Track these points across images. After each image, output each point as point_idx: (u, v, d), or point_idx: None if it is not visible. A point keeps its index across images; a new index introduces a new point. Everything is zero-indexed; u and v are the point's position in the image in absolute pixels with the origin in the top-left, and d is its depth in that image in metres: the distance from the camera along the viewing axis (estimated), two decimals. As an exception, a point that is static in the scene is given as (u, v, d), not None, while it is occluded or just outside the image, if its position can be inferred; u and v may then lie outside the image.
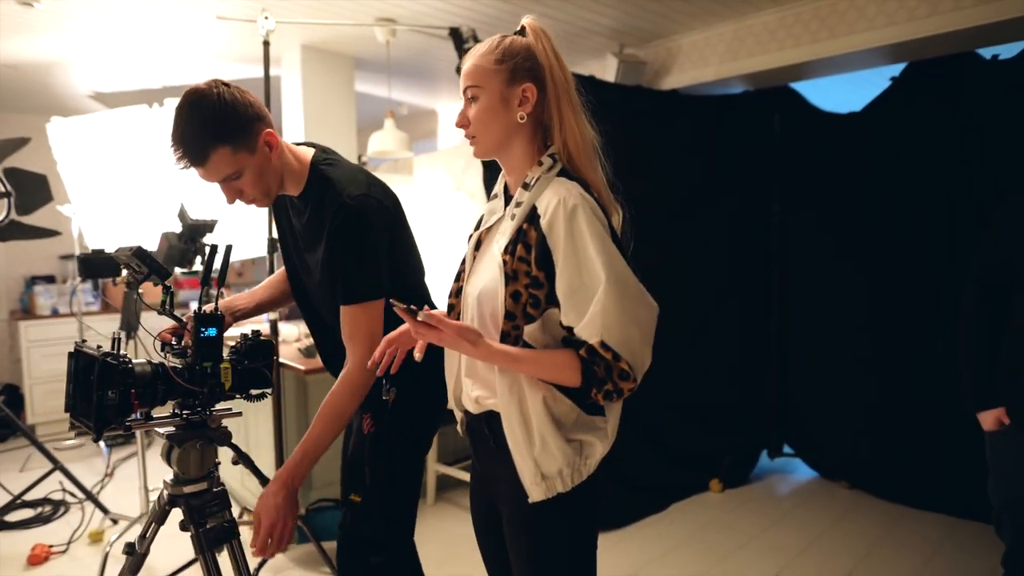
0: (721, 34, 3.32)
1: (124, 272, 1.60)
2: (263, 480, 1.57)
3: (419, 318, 0.98)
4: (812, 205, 3.49)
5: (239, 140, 1.29)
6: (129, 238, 2.72)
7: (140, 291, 1.65)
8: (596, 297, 0.98)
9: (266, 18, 2.40)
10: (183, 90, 1.30)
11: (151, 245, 2.58)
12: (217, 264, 1.41)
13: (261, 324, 2.73)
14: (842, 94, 3.62)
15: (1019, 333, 1.59)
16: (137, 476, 2.83)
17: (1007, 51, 2.81)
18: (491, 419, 1.13)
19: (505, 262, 1.07)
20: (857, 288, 3.30)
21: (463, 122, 1.12)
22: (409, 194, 3.92)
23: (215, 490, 1.43)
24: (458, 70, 2.80)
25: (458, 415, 1.28)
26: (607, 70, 3.49)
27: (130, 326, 2.54)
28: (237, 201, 1.40)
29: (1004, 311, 1.65)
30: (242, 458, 1.55)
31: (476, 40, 2.80)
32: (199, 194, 2.66)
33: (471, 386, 1.17)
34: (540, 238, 1.03)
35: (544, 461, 1.05)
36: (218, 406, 1.43)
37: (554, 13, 3.04)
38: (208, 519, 1.40)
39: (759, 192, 3.64)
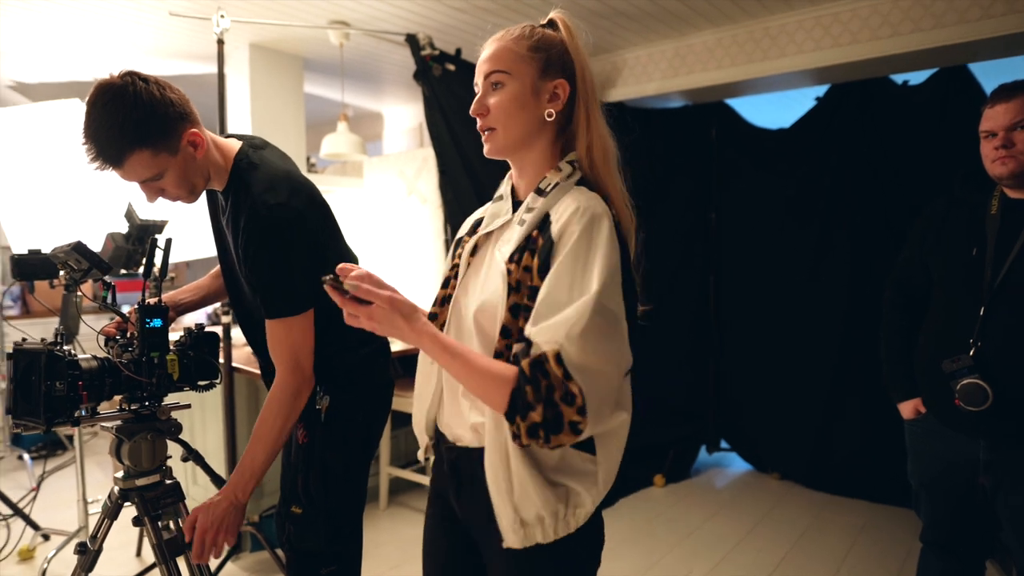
0: (663, 51, 3.50)
1: (61, 273, 1.55)
2: (214, 476, 1.56)
3: (346, 287, 0.82)
4: (745, 213, 3.72)
5: (160, 142, 1.21)
6: (61, 238, 2.59)
7: (79, 292, 1.62)
8: (572, 307, 0.83)
9: (222, 16, 2.37)
10: None
11: (92, 246, 2.47)
12: (158, 259, 1.41)
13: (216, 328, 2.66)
14: (775, 111, 3.88)
15: (930, 332, 1.78)
16: (67, 490, 2.70)
17: (917, 77, 3.11)
18: (462, 457, 1.01)
19: (509, 272, 0.94)
20: (785, 291, 3.53)
21: (481, 110, 0.99)
22: (359, 198, 3.91)
23: (168, 482, 1.43)
24: (416, 77, 2.86)
25: (425, 441, 1.11)
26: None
27: (70, 330, 2.42)
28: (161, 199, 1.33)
29: (920, 312, 1.85)
30: (191, 454, 1.53)
31: (433, 48, 2.85)
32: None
33: (469, 410, 0.98)
34: (547, 244, 0.91)
35: (523, 504, 0.90)
36: (167, 400, 1.43)
37: (508, 23, 3.11)
38: (162, 511, 1.39)
39: (698, 200, 3.85)
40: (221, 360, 2.48)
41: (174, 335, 1.46)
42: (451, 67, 2.90)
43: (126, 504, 1.43)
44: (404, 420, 3.20)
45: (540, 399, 0.82)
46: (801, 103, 3.52)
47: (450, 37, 3.24)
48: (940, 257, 1.76)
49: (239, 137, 1.43)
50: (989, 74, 2.92)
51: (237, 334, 3.02)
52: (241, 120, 3.57)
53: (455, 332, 1.02)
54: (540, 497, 0.90)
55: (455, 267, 1.07)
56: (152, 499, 1.40)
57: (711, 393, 3.93)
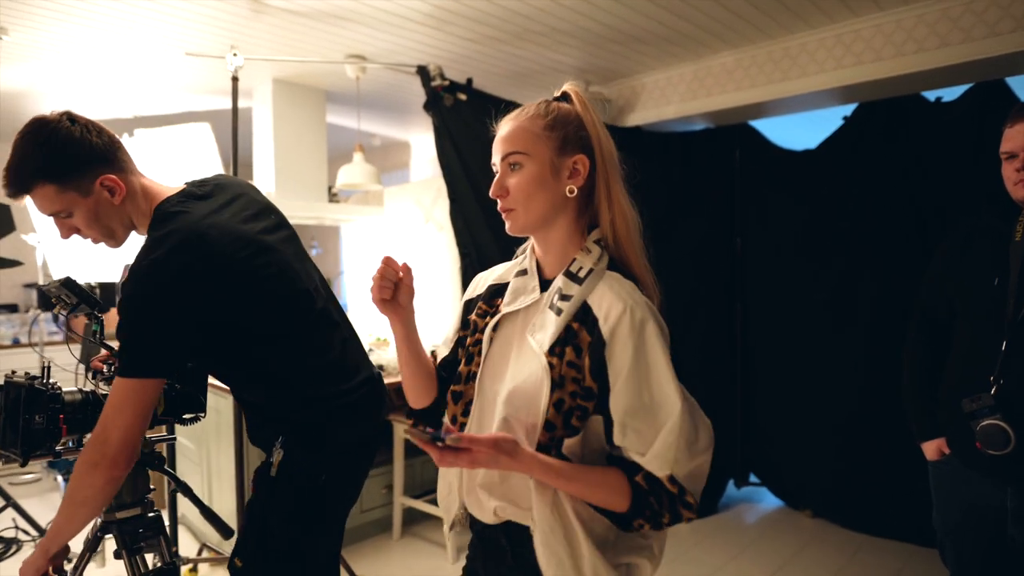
0: (681, 74, 3.44)
1: (56, 307, 1.59)
2: (204, 509, 1.55)
3: (448, 442, 0.83)
4: (771, 238, 3.59)
5: (67, 179, 1.22)
6: (94, 268, 2.70)
7: (70, 324, 1.66)
8: (668, 427, 0.88)
9: (235, 55, 2.45)
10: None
11: (116, 276, 2.57)
12: None
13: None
14: (802, 132, 3.76)
15: (956, 367, 1.65)
16: (93, 512, 2.76)
17: (950, 94, 2.96)
18: (511, 531, 1.00)
19: (552, 365, 0.93)
20: (816, 319, 3.37)
21: (501, 192, 0.99)
22: (380, 225, 3.96)
23: (149, 515, 1.43)
24: (426, 107, 2.89)
25: (453, 515, 1.10)
26: (573, 107, 3.59)
27: (88, 359, 2.51)
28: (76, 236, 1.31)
29: (945, 343, 1.72)
30: (179, 486, 1.54)
31: (443, 78, 2.87)
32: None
33: (487, 498, 1.02)
34: (596, 345, 0.91)
35: None
36: (151, 433, 1.44)
37: (521, 52, 3.13)
38: (142, 544, 1.40)
39: (722, 225, 3.73)
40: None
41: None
42: (463, 96, 2.92)
43: (107, 536, 1.45)
44: (417, 448, 3.17)
45: (665, 507, 0.90)
46: (832, 122, 3.40)
47: (463, 67, 3.27)
48: (961, 286, 1.64)
49: (198, 183, 1.38)
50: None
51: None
52: (266, 153, 3.68)
53: (479, 411, 1.02)
54: None
55: (478, 343, 1.06)
56: (131, 532, 1.41)
57: (738, 423, 3.77)
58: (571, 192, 0.98)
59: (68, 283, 1.48)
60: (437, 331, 3.36)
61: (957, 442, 1.62)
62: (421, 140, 5.13)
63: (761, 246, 3.65)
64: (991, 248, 1.58)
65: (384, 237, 3.89)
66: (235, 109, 2.57)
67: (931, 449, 1.74)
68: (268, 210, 1.46)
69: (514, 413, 0.96)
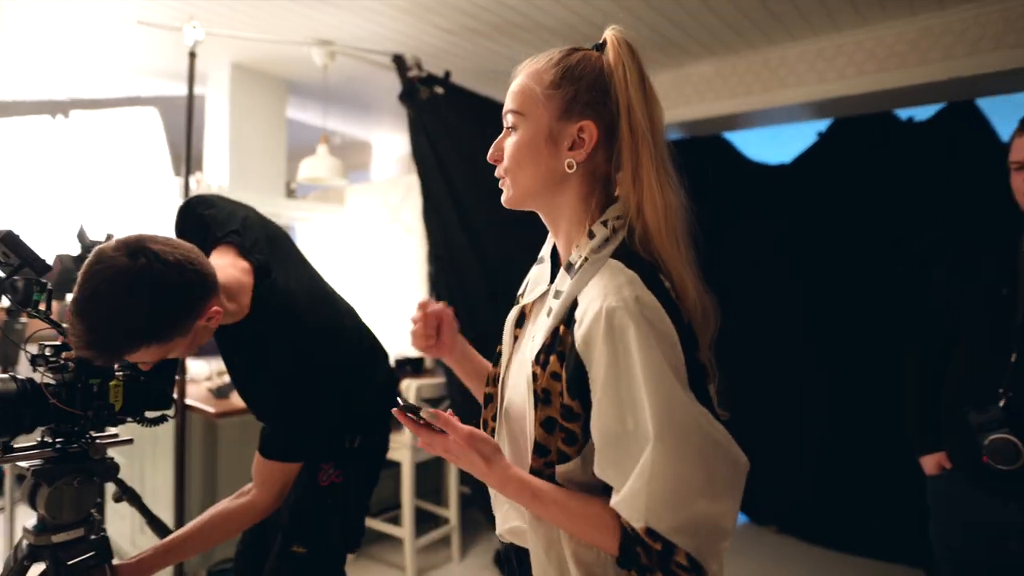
0: (660, 81, 3.39)
1: None
2: (155, 524, 1.33)
3: (423, 416, 0.75)
4: (743, 251, 3.57)
5: (173, 333, 1.04)
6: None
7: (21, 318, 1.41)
8: (640, 464, 0.70)
9: (194, 27, 2.23)
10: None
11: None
12: None
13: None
14: (776, 146, 3.78)
15: (962, 380, 1.61)
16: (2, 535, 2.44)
17: (923, 113, 3.01)
18: (519, 552, 0.88)
19: (535, 376, 0.79)
20: (788, 334, 3.36)
21: (495, 155, 0.87)
22: (341, 225, 3.74)
23: (92, 538, 1.18)
24: (401, 98, 2.73)
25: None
26: (549, 110, 3.49)
27: (7, 359, 2.21)
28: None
29: (948, 359, 1.68)
30: (127, 494, 1.28)
31: (420, 69, 2.72)
32: (102, 213, 2.40)
33: (506, 514, 0.90)
34: (573, 355, 0.75)
35: None
36: (103, 437, 1.20)
37: (501, 49, 3.01)
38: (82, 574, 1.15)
39: (697, 238, 3.68)
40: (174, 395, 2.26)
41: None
42: (439, 90, 2.77)
43: (35, 563, 1.19)
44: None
45: (655, 564, 0.71)
46: (795, 138, 3.42)
47: (439, 60, 3.12)
48: (970, 298, 1.61)
49: (254, 247, 1.27)
50: (998, 111, 2.81)
51: (195, 367, 2.82)
52: (220, 143, 3.42)
53: (502, 429, 0.91)
54: None
55: (503, 340, 0.96)
56: (67, 559, 1.16)
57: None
58: (570, 167, 0.81)
59: (9, 239, 1.21)
60: (401, 337, 3.17)
61: (961, 456, 1.57)
62: (384, 140, 4.93)
63: (733, 259, 3.62)
64: (998, 259, 1.56)
65: (345, 237, 3.67)
66: (191, 90, 2.34)
67: (931, 463, 1.69)
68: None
69: (512, 430, 0.84)
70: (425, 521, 3.06)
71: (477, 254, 2.77)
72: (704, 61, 3.20)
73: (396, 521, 2.90)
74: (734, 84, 3.15)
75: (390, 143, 4.91)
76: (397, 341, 3.04)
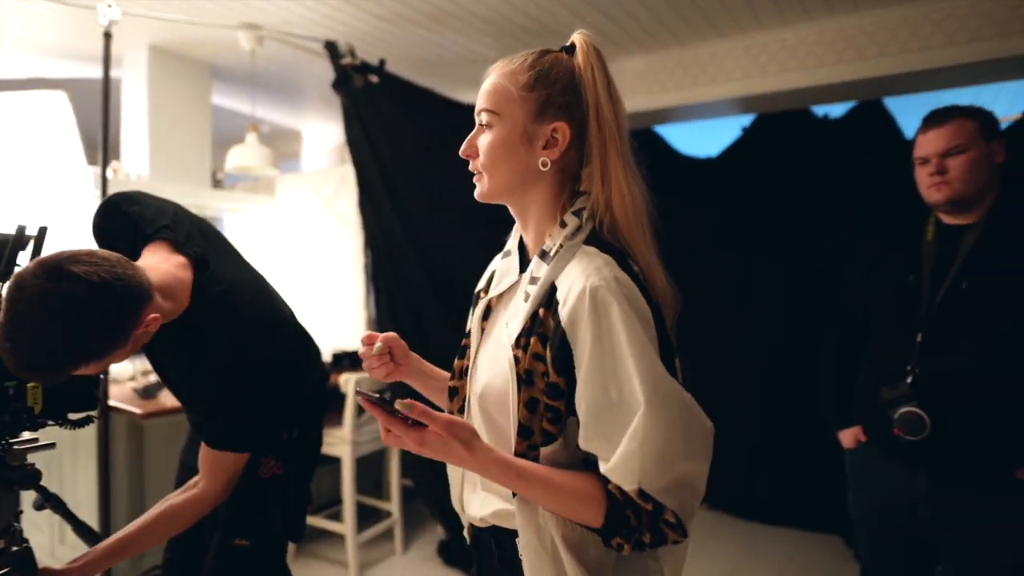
0: (594, 75, 3.45)
1: None
2: (83, 531, 1.27)
3: (397, 408, 0.71)
4: (673, 241, 3.67)
5: (109, 353, 1.02)
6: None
7: None
8: (632, 428, 0.73)
9: (109, 6, 2.09)
10: None
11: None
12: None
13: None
14: (700, 141, 3.92)
15: (874, 360, 1.74)
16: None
17: (836, 111, 3.19)
18: (499, 534, 0.89)
19: (517, 359, 0.82)
20: (714, 318, 3.50)
21: (468, 151, 0.89)
22: (271, 217, 3.62)
23: (14, 550, 1.11)
24: (335, 86, 2.66)
25: (464, 522, 1.01)
26: (485, 100, 3.49)
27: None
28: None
29: (860, 341, 1.80)
30: (51, 502, 1.21)
31: (354, 56, 2.66)
32: (8, 203, 2.23)
33: (486, 499, 0.90)
34: (559, 333, 0.79)
35: None
36: (18, 443, 1.13)
37: (435, 38, 2.98)
38: None
39: (656, 227, 3.78)
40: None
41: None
42: (374, 79, 2.71)
43: None
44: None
45: (645, 525, 0.75)
46: (731, 132, 3.56)
47: (372, 48, 3.06)
48: (879, 286, 1.73)
49: (185, 239, 1.24)
50: (903, 109, 3.02)
51: (117, 366, 2.67)
52: (138, 130, 3.23)
53: (470, 412, 0.93)
54: None
55: (470, 332, 0.97)
56: None
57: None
58: (544, 165, 0.86)
59: None
60: (337, 331, 3.11)
61: (875, 430, 1.69)
62: (315, 129, 4.79)
63: (673, 249, 3.71)
64: (905, 249, 1.67)
65: (276, 229, 3.56)
66: (107, 71, 2.19)
67: (848, 437, 1.81)
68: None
69: (489, 416, 0.86)
70: (366, 516, 3.02)
71: (413, 242, 2.75)
72: (637, 56, 3.28)
73: (337, 517, 2.85)
74: (665, 79, 3.24)
75: (321, 133, 4.78)
76: (333, 334, 2.97)
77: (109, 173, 2.76)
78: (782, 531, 3.23)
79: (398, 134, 2.72)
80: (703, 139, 3.86)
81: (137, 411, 2.21)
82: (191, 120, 3.33)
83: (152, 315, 1.05)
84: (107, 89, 2.20)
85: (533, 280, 0.85)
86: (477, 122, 0.88)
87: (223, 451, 1.23)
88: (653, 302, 0.81)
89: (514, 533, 0.84)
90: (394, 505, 2.96)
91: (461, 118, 3.18)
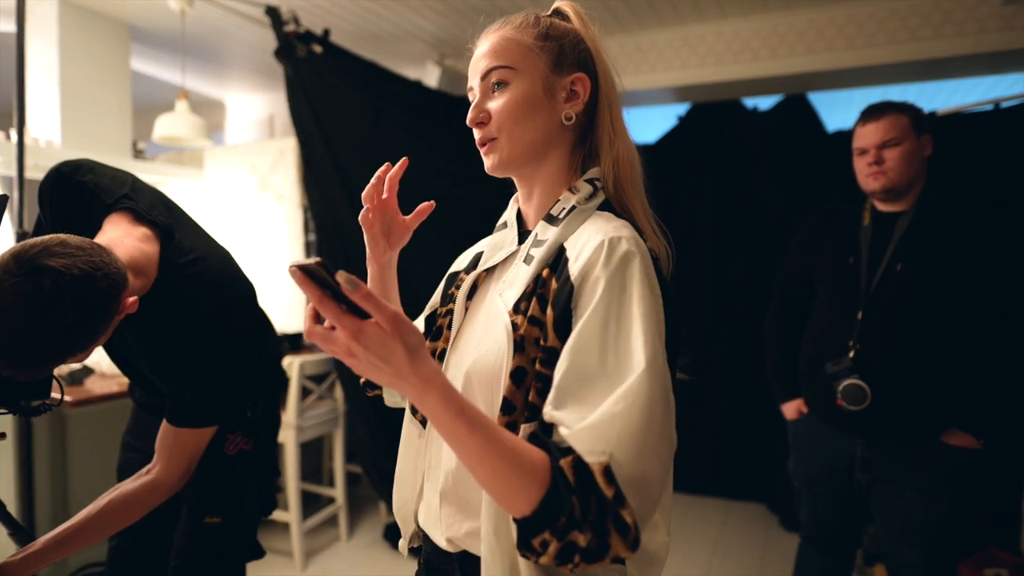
0: (538, 57, 3.46)
1: None
2: (15, 529, 1.21)
3: (341, 283, 0.53)
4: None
5: (95, 341, 0.98)
6: None
7: None
8: (625, 387, 0.62)
9: (25, -48, 1.88)
10: None
11: None
12: None
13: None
14: (639, 128, 4.03)
15: (813, 337, 1.87)
16: None
17: (764, 103, 3.37)
18: (467, 562, 0.78)
19: (515, 324, 0.73)
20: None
21: (481, 117, 0.80)
22: (200, 191, 3.41)
23: None
24: (277, 54, 2.53)
25: (405, 532, 0.91)
26: (429, 78, 3.43)
27: None
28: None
29: (803, 317, 1.94)
30: None
31: (298, 24, 2.54)
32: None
33: (451, 515, 0.79)
34: (565, 291, 0.70)
35: None
36: None
37: (379, 10, 2.89)
38: None
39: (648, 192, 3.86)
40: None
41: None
42: (318, 48, 2.60)
43: None
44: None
45: (590, 522, 0.58)
46: (667, 121, 3.68)
47: (315, 18, 2.93)
48: (821, 265, 1.85)
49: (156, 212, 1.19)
50: (824, 104, 3.24)
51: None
52: (47, 93, 2.94)
53: None
54: None
55: (449, 313, 0.87)
56: None
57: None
58: (568, 119, 0.80)
59: None
60: (275, 312, 2.99)
61: (818, 401, 1.83)
62: (240, 100, 4.54)
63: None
64: (844, 232, 1.81)
65: (206, 204, 3.35)
66: (21, 26, 1.98)
67: (791, 409, 1.95)
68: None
69: (474, 391, 0.76)
70: (309, 503, 2.95)
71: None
72: (581, 40, 3.32)
73: (281, 505, 2.76)
74: (607, 65, 3.30)
75: (247, 104, 4.53)
76: (272, 316, 2.85)
77: (13, 136, 2.50)
78: (711, 501, 3.43)
79: (345, 108, 2.63)
80: (641, 127, 3.97)
81: (68, 399, 2.04)
82: (108, 83, 3.07)
83: (131, 299, 1.01)
84: (22, 51, 2.00)
85: (537, 243, 0.78)
86: (482, 87, 0.81)
87: (191, 427, 1.19)
88: (666, 284, 0.75)
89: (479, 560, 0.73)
90: (338, 491, 2.90)
91: (409, 95, 3.13)
